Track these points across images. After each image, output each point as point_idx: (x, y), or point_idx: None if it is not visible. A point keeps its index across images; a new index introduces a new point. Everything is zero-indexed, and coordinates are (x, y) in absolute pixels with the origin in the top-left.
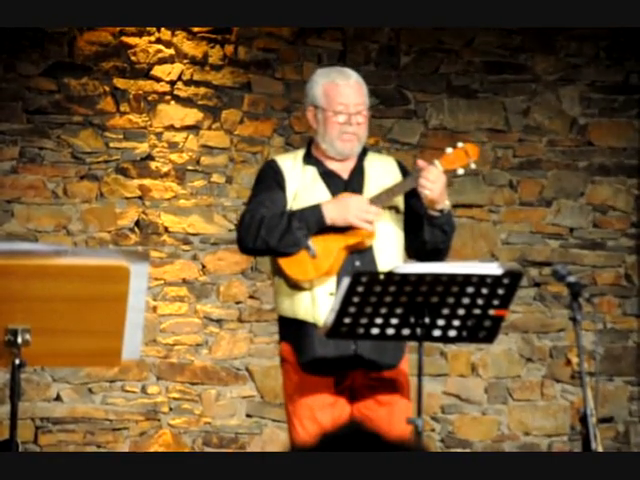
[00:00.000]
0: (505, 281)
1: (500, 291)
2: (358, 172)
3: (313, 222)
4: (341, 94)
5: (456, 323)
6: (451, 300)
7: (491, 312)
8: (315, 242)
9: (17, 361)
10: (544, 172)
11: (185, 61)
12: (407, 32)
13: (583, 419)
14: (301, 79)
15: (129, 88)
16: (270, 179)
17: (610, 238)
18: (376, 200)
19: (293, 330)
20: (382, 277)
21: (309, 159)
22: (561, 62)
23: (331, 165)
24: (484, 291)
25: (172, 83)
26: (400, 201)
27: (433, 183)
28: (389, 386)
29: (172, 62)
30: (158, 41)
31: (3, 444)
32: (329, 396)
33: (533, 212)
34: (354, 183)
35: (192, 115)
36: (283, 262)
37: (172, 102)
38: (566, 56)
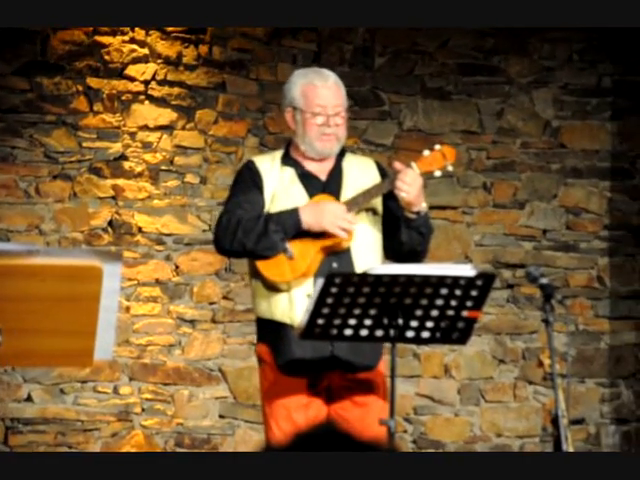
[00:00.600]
0: (478, 283)
1: (473, 293)
2: (336, 173)
3: (290, 226)
4: (319, 96)
5: (429, 324)
6: (424, 301)
7: (464, 313)
8: (292, 244)
9: None
10: (517, 174)
11: (159, 61)
12: (382, 33)
13: (554, 420)
14: (275, 80)
15: (103, 87)
16: (248, 180)
17: (583, 240)
18: (352, 202)
19: (270, 331)
20: (356, 278)
21: (287, 160)
22: (534, 64)
23: (309, 166)
24: (457, 292)
25: (146, 83)
26: (378, 203)
27: (410, 186)
28: (365, 387)
29: (146, 62)
30: (132, 41)
31: None
32: (305, 397)
33: (507, 214)
34: (332, 184)
35: (166, 115)
36: (260, 264)
37: (146, 102)
38: (539, 58)
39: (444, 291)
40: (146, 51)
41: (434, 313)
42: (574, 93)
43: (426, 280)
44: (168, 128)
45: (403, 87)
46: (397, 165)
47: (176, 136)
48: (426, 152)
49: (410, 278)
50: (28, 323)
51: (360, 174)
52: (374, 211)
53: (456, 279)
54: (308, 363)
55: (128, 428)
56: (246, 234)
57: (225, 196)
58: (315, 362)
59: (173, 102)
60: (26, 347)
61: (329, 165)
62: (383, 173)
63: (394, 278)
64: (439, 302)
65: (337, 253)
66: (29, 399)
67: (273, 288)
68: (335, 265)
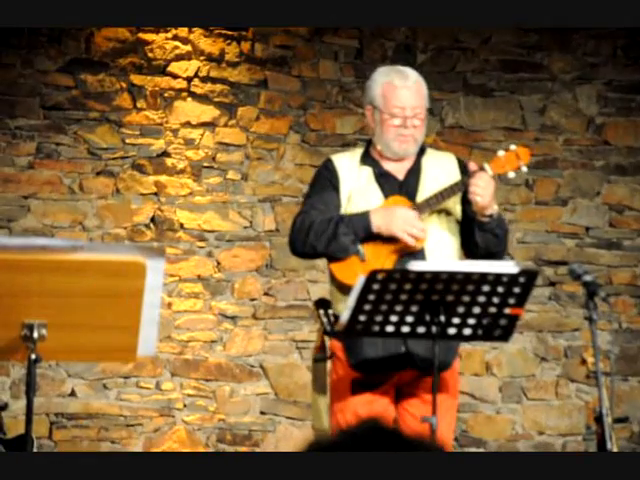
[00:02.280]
0: (521, 280)
1: (516, 290)
2: (414, 172)
3: (360, 229)
4: (398, 97)
5: (471, 321)
6: (467, 298)
7: (507, 311)
8: (365, 245)
9: (33, 356)
10: (560, 171)
11: (202, 58)
12: (424, 30)
13: (598, 419)
14: (317, 76)
15: (146, 84)
16: (324, 179)
17: (626, 238)
18: (425, 205)
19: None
20: (397, 275)
21: (366, 159)
22: (578, 61)
23: (387, 166)
24: (500, 290)
25: (189, 80)
26: (455, 203)
27: (484, 189)
28: (436, 385)
29: (189, 59)
30: (175, 38)
31: (18, 439)
32: (373, 394)
33: (549, 211)
34: (409, 184)
35: (208, 112)
36: (333, 267)
37: (188, 99)
38: (583, 55)
39: (487, 288)
40: (189, 48)
41: (476, 310)
42: (618, 89)
43: (469, 277)
44: (210, 125)
45: (445, 84)
46: (471, 166)
47: (218, 133)
48: (500, 153)
49: (452, 275)
50: (72, 318)
51: (439, 171)
52: (449, 212)
53: (499, 276)
54: (380, 362)
55: (170, 424)
56: (317, 237)
57: (266, 193)
58: (386, 360)
59: (215, 99)
60: (70, 342)
61: (408, 164)
62: (463, 169)
63: (436, 275)
64: (481, 299)
65: (411, 254)
66: (73, 394)
67: (348, 290)
68: None
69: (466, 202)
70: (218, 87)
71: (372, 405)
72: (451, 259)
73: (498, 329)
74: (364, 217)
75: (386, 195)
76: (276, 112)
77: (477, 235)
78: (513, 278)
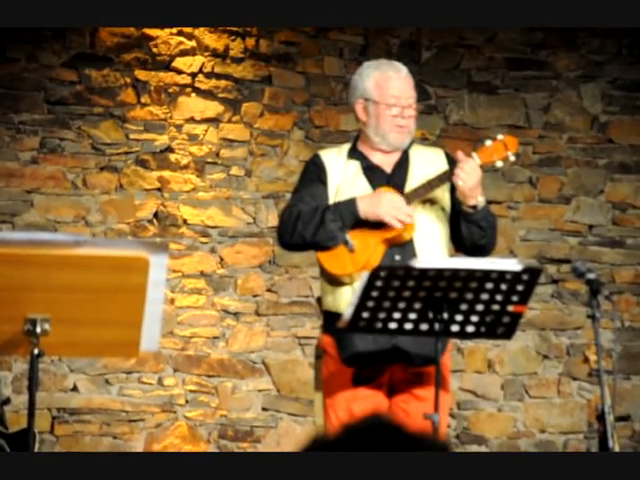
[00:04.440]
0: (524, 277)
1: (519, 287)
2: (402, 165)
3: (347, 215)
4: (393, 87)
5: (474, 319)
6: (470, 296)
7: (510, 308)
8: (353, 236)
9: (36, 351)
10: (564, 169)
11: (206, 53)
12: (428, 27)
13: (600, 417)
14: (322, 73)
15: (150, 80)
16: (312, 174)
17: (629, 236)
18: (413, 194)
19: (335, 324)
20: (401, 272)
21: (353, 153)
22: (583, 59)
23: (375, 159)
24: (503, 287)
25: (193, 75)
26: (444, 195)
27: (467, 175)
28: (427, 380)
29: (193, 54)
30: (180, 33)
31: (20, 434)
32: (366, 389)
33: (552, 209)
34: (397, 176)
35: (212, 108)
36: (322, 257)
37: (193, 94)
38: (588, 53)
39: (490, 285)
40: (193, 44)
41: (479, 307)
42: (623, 88)
43: (471, 274)
44: (214, 121)
45: (449, 81)
46: (459, 155)
47: (222, 129)
48: (488, 142)
49: (455, 272)
50: (75, 313)
51: (427, 165)
52: (439, 203)
53: (502, 273)
54: (371, 355)
55: (172, 419)
56: (305, 226)
57: (269, 189)
58: (377, 354)
59: (220, 95)
60: (73, 337)
61: (395, 157)
62: (451, 163)
63: (439, 272)
64: (484, 296)
65: (400, 245)
66: (75, 389)
67: (337, 282)
68: (398, 258)
69: (455, 194)
70: (222, 83)
71: (364, 401)
72: (440, 250)
73: (501, 327)
74: (351, 203)
75: (374, 188)
76: (280, 108)
77: (462, 226)
78: (516, 275)
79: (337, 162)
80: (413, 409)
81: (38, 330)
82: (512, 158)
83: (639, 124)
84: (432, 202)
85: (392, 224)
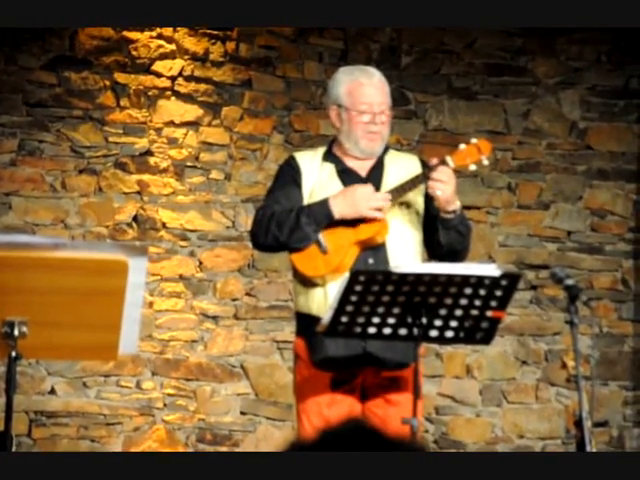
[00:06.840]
0: (503, 283)
1: (498, 293)
2: (377, 170)
3: (321, 216)
4: (365, 94)
5: (453, 324)
6: (449, 301)
7: (488, 313)
8: (327, 238)
9: (13, 353)
10: (543, 175)
11: (186, 57)
12: (409, 32)
13: (578, 423)
14: (302, 77)
15: (129, 83)
16: (287, 176)
17: (608, 242)
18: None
19: (307, 325)
20: (380, 277)
21: (329, 156)
22: (562, 65)
23: (350, 163)
24: (482, 292)
25: (173, 79)
26: (418, 200)
27: (444, 184)
28: (399, 385)
29: (173, 58)
30: (159, 36)
31: None
32: (338, 394)
33: (531, 215)
34: (372, 181)
35: (192, 111)
36: (295, 258)
37: (172, 98)
38: (567, 59)
39: (468, 291)
40: (173, 47)
41: (458, 313)
42: (601, 94)
43: (451, 279)
44: (194, 124)
45: (429, 86)
46: (434, 162)
47: (202, 132)
48: (462, 146)
49: (435, 277)
50: (54, 316)
51: (402, 171)
52: (413, 208)
53: (481, 279)
54: (342, 360)
55: (150, 423)
56: (279, 227)
57: (249, 193)
58: (348, 359)
59: (199, 98)
60: (51, 340)
61: (371, 162)
62: (426, 169)
63: (418, 277)
64: (463, 302)
65: (373, 249)
66: (52, 392)
67: (310, 283)
68: (371, 261)
69: (429, 200)
70: (202, 87)
71: (337, 405)
72: (413, 254)
73: (480, 332)
74: (323, 204)
75: None
76: (260, 112)
77: (441, 234)
78: (495, 281)
79: (312, 164)
80: (386, 413)
81: (16, 333)
82: (485, 162)
83: (618, 131)
84: (406, 206)
85: (373, 216)
